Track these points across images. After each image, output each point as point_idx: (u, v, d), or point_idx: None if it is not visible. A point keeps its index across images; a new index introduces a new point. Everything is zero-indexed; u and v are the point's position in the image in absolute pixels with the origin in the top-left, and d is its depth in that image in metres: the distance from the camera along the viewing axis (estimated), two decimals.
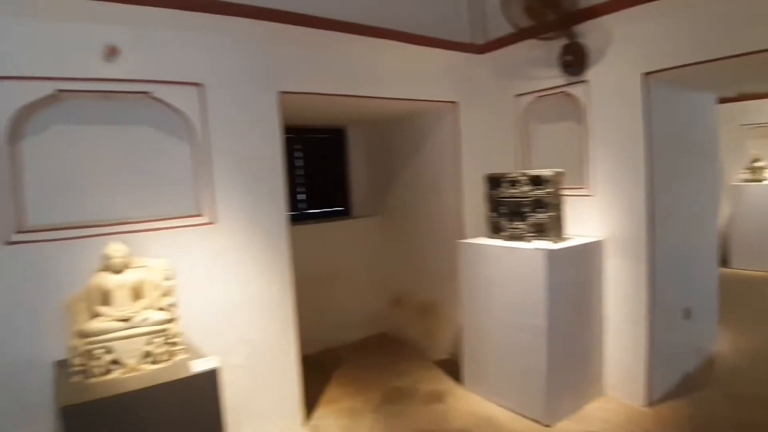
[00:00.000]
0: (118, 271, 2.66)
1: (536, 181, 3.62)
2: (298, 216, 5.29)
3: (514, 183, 3.75)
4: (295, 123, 4.92)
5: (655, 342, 3.59)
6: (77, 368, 2.45)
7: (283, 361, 3.53)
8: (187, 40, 3.08)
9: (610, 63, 3.60)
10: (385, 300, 5.69)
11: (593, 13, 3.55)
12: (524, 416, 3.60)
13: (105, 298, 2.61)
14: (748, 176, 7.62)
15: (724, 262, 7.34)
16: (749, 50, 2.90)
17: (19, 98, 2.64)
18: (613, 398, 3.79)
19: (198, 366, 2.51)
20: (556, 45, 3.79)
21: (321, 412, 3.86)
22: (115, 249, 2.67)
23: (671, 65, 3.29)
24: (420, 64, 4.17)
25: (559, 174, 3.60)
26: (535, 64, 4.05)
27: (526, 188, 3.67)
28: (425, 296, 5.10)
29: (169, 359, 2.61)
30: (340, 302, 5.39)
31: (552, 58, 3.85)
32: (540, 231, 3.61)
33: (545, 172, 3.59)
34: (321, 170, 5.63)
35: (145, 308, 2.65)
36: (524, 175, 3.70)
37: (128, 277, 2.68)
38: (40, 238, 2.70)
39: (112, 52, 2.83)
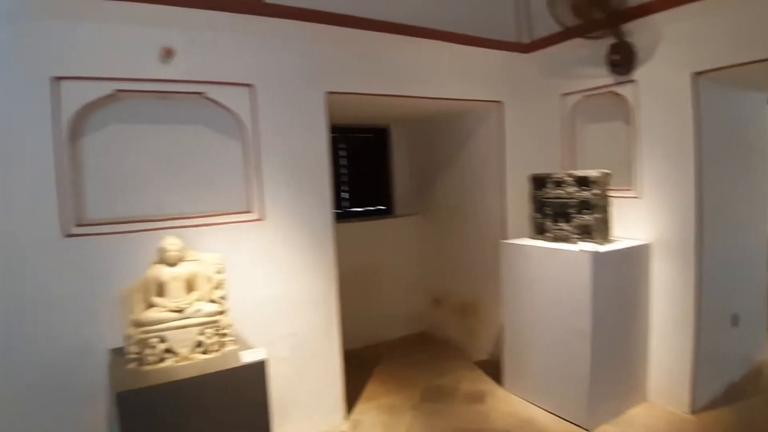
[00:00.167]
0: (172, 264, 2.77)
1: (582, 182, 3.57)
2: (341, 214, 5.35)
3: (559, 183, 3.71)
4: (340, 122, 4.97)
5: (701, 348, 3.51)
6: (133, 356, 2.56)
7: (326, 356, 3.59)
8: (239, 42, 3.18)
9: (659, 62, 3.53)
10: (427, 299, 5.71)
11: (642, 11, 3.49)
12: (565, 419, 3.57)
13: (160, 289, 2.72)
14: None
15: None
16: None
17: (80, 97, 2.77)
18: (656, 404, 3.72)
19: (247, 357, 2.58)
20: (604, 44, 3.73)
21: (361, 408, 3.91)
22: (171, 243, 2.78)
23: (721, 65, 3.21)
24: (466, 64, 4.18)
25: (606, 175, 3.55)
26: (582, 63, 4.00)
27: (571, 189, 3.63)
28: (466, 296, 5.09)
29: (219, 350, 2.70)
30: (382, 300, 5.44)
31: (599, 57, 3.79)
32: (585, 233, 3.57)
33: (592, 172, 3.54)
34: (364, 169, 5.68)
35: (198, 300, 2.75)
36: (570, 175, 3.66)
37: (182, 269, 2.78)
38: (98, 232, 2.83)
39: (167, 54, 2.95)
